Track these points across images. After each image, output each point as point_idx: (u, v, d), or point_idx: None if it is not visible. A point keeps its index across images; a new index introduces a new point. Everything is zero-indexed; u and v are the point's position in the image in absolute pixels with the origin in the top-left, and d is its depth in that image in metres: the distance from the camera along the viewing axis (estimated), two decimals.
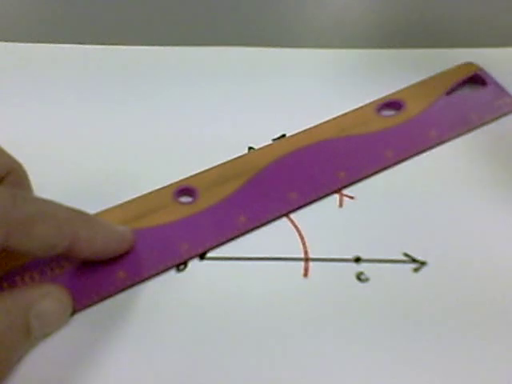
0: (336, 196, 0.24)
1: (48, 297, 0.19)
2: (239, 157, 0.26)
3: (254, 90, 0.29)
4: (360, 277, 0.22)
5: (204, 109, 0.28)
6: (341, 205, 0.24)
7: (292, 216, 0.24)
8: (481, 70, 0.29)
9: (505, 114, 0.27)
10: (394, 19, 0.31)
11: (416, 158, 0.25)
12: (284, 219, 0.24)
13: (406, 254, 0.22)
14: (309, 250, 0.23)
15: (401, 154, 0.25)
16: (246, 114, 0.28)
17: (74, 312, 0.21)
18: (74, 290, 0.21)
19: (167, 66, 0.30)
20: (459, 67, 0.29)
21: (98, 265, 0.21)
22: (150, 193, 0.24)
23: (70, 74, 0.30)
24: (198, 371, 0.19)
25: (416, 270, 0.22)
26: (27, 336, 0.19)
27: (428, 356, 0.20)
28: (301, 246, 0.23)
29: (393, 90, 0.28)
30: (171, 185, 0.24)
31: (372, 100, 0.28)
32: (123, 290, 0.21)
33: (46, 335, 0.20)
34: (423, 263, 0.22)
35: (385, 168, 0.25)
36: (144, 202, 0.24)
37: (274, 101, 0.28)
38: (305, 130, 0.26)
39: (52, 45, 0.31)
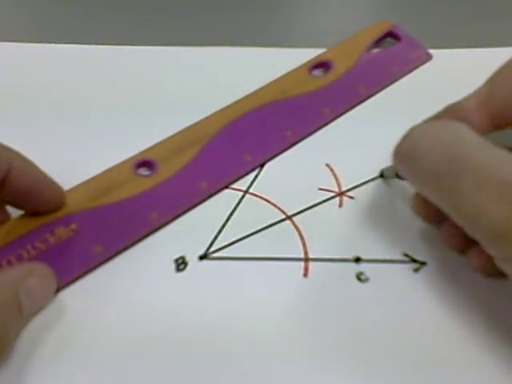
0: (336, 196, 0.24)
1: (33, 273, 0.20)
2: (192, 125, 0.26)
3: (253, 89, 0.29)
4: (360, 277, 0.22)
5: (204, 109, 0.28)
6: (341, 205, 0.24)
7: (292, 216, 0.24)
8: (394, 26, 0.31)
9: (420, 65, 0.29)
10: (393, 19, 0.31)
11: None
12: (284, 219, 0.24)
13: (405, 254, 0.22)
14: (309, 250, 0.23)
15: (336, 110, 0.27)
16: None
17: (58, 289, 0.21)
18: (53, 268, 0.21)
19: (167, 66, 0.30)
20: (375, 25, 0.31)
21: (74, 242, 0.22)
22: (111, 168, 0.25)
23: (70, 73, 0.30)
24: (198, 370, 0.19)
25: (416, 269, 0.22)
26: (19, 312, 0.19)
27: (427, 355, 0.20)
28: (301, 246, 0.23)
29: None
30: (130, 158, 0.25)
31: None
32: (102, 263, 0.22)
33: (35, 312, 0.20)
34: (423, 263, 0.22)
35: (325, 124, 0.27)
36: (106, 178, 0.24)
37: None
38: (249, 95, 0.28)
39: (52, 45, 0.31)
